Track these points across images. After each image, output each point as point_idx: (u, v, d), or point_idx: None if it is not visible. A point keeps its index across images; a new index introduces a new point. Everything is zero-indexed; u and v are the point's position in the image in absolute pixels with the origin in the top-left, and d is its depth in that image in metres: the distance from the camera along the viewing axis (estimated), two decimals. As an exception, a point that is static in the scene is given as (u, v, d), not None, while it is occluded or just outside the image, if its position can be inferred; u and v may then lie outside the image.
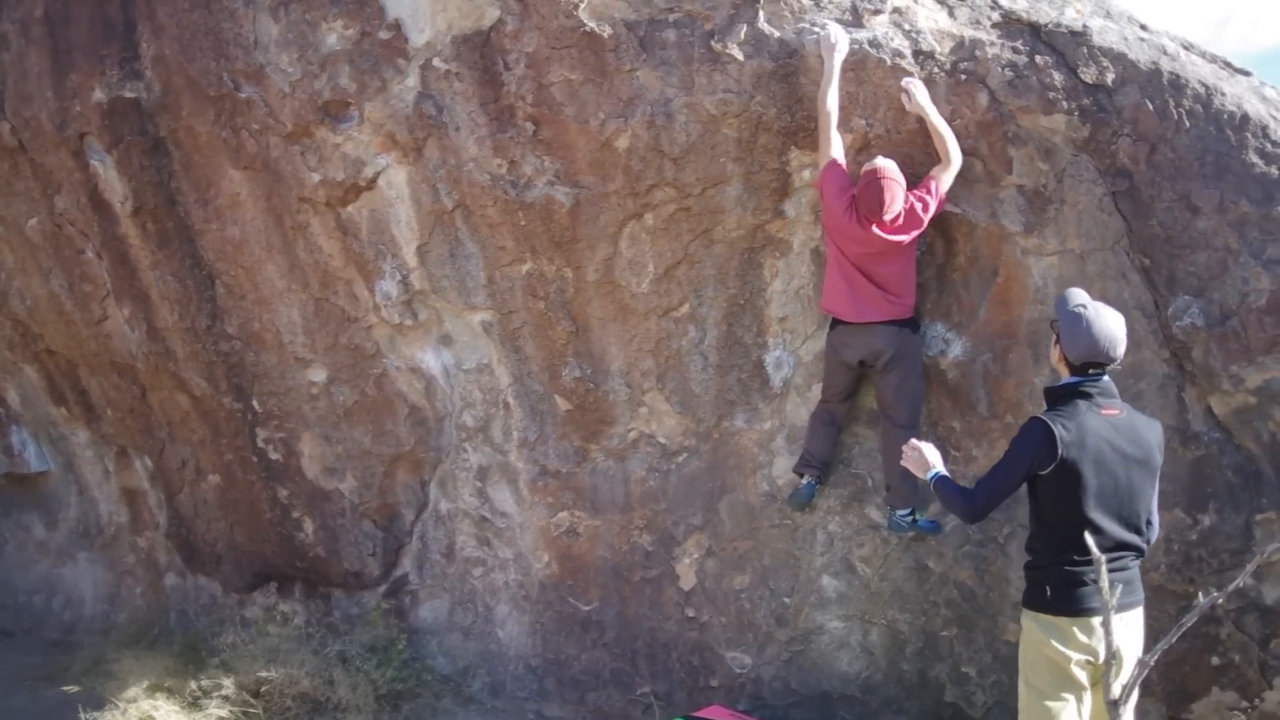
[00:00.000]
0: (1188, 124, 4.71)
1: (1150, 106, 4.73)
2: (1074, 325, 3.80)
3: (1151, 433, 3.88)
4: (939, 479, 4.02)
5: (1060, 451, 3.69)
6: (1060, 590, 3.78)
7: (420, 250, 5.74)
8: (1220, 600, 2.88)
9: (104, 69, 5.99)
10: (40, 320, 6.88)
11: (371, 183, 5.69)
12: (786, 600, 5.64)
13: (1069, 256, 4.94)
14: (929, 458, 4.08)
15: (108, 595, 7.66)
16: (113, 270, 6.47)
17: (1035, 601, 3.86)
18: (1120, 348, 3.80)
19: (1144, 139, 4.75)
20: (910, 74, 4.86)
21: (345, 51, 5.50)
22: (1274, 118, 4.71)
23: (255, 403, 6.43)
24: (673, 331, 5.52)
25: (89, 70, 6.02)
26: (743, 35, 4.96)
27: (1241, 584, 2.56)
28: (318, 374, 6.22)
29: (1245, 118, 4.69)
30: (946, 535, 5.28)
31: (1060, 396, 3.86)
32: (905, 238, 4.83)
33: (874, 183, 4.72)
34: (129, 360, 6.71)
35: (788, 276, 5.37)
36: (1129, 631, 3.82)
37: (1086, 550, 3.59)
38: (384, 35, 5.43)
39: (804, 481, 5.39)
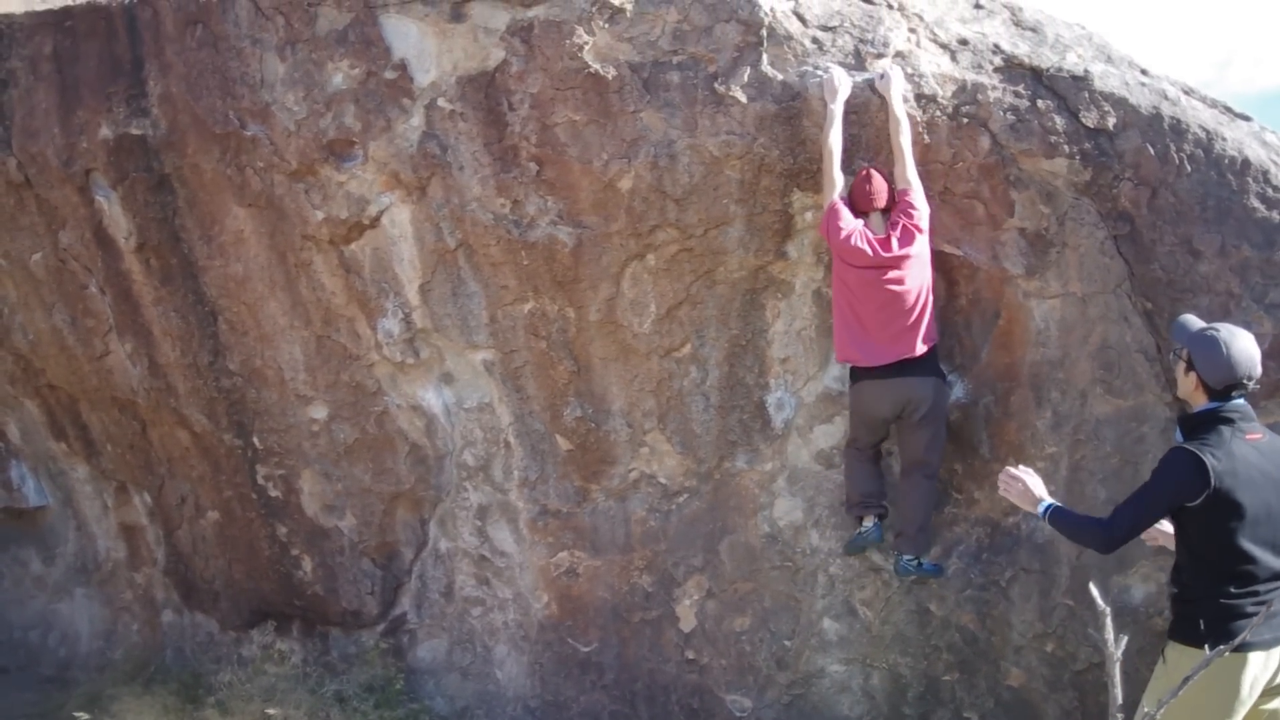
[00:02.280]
0: (1189, 169, 4.73)
1: (1151, 151, 4.75)
2: (1212, 348, 3.64)
3: None
4: (1055, 511, 3.84)
5: (1213, 482, 3.50)
6: (1215, 623, 3.56)
7: (423, 289, 5.75)
8: (1225, 651, 2.86)
9: (111, 106, 6.03)
10: (42, 355, 6.89)
11: (375, 221, 5.71)
12: (787, 643, 5.60)
13: (1071, 299, 4.94)
14: (1035, 490, 3.89)
15: (104, 632, 7.61)
16: (115, 306, 6.48)
17: (1186, 634, 3.65)
18: (1258, 367, 3.66)
19: (1145, 183, 4.77)
20: (913, 118, 4.89)
21: (351, 91, 5.54)
22: (1275, 163, 4.73)
23: (255, 439, 6.42)
24: (674, 372, 5.51)
25: (96, 107, 6.06)
26: (746, 78, 5.00)
27: (1249, 638, 2.55)
28: (319, 411, 6.21)
29: (1246, 163, 4.71)
30: (949, 579, 5.25)
31: (1200, 424, 3.66)
32: (910, 249, 4.76)
33: (862, 177, 4.87)
34: (130, 396, 6.70)
35: (790, 318, 5.37)
36: None
37: (1243, 581, 3.52)
38: (389, 75, 5.47)
39: (868, 525, 5.18)
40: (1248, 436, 3.62)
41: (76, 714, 6.01)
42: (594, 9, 5.10)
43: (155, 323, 6.40)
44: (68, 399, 7.06)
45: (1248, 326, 4.64)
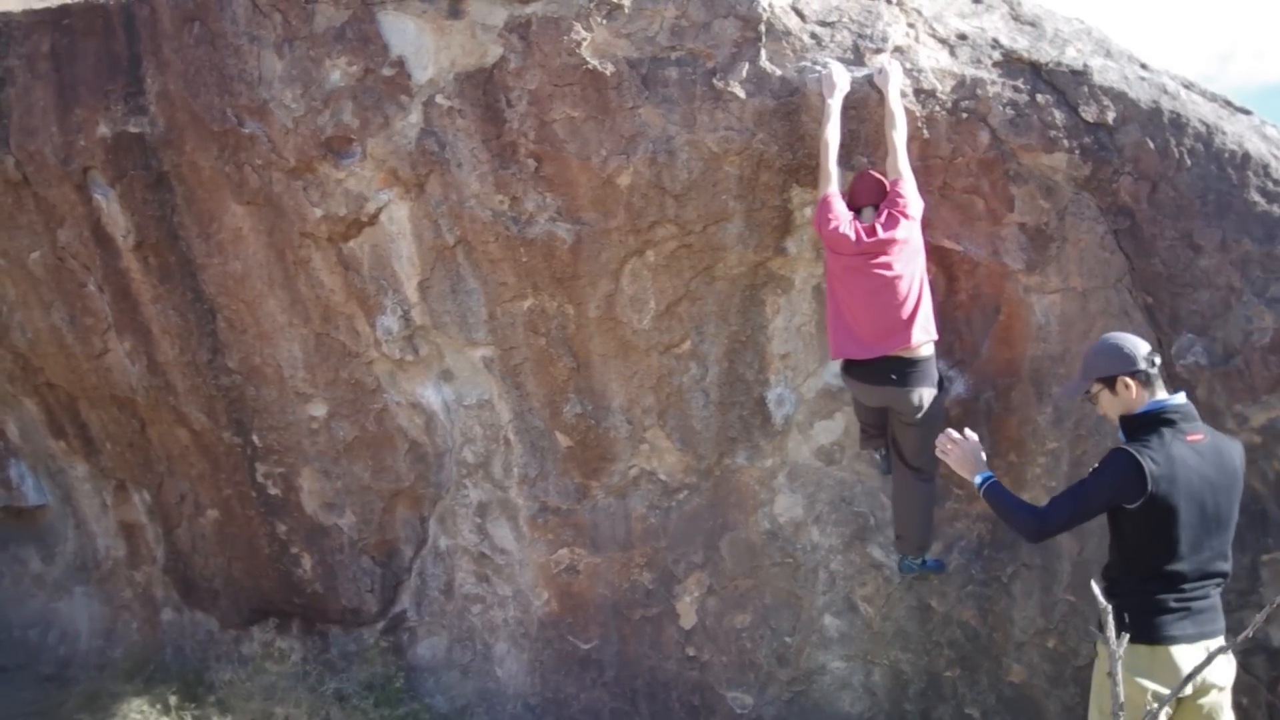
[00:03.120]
0: (1189, 163, 4.72)
1: (1151, 145, 4.74)
2: (1102, 348, 3.79)
3: (1236, 455, 3.76)
4: (993, 485, 3.83)
5: (1150, 487, 3.54)
6: (1141, 617, 3.62)
7: (421, 286, 5.74)
8: (1229, 649, 2.85)
9: (109, 104, 6.02)
10: (41, 353, 6.87)
11: (373, 218, 5.70)
12: (788, 639, 5.59)
13: (1071, 294, 4.93)
14: (975, 458, 3.88)
15: (104, 630, 7.60)
16: (114, 304, 6.47)
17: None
18: (1154, 353, 3.77)
19: (1145, 177, 4.76)
20: (912, 113, 4.87)
21: (349, 88, 5.53)
22: (1275, 156, 4.72)
23: (255, 437, 6.41)
24: (674, 368, 5.50)
25: (94, 105, 6.05)
26: (744, 73, 4.98)
27: (1252, 633, 2.52)
28: (318, 409, 6.20)
29: (1246, 156, 4.70)
30: (950, 575, 5.24)
31: (1142, 425, 3.69)
32: (896, 233, 4.64)
33: (861, 174, 4.87)
34: (129, 394, 6.69)
35: (789, 313, 5.36)
36: (1217, 660, 3.54)
37: (1171, 579, 3.55)
38: (387, 72, 5.46)
39: (880, 453, 5.25)
40: (1188, 438, 3.65)
41: (78, 716, 6.02)
42: (592, 5, 5.08)
43: (154, 321, 6.39)
44: (67, 397, 7.05)
45: (1248, 321, 4.67)
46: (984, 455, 3.94)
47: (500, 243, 5.47)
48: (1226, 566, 3.72)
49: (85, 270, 6.44)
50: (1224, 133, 4.72)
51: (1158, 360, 3.77)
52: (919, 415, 4.77)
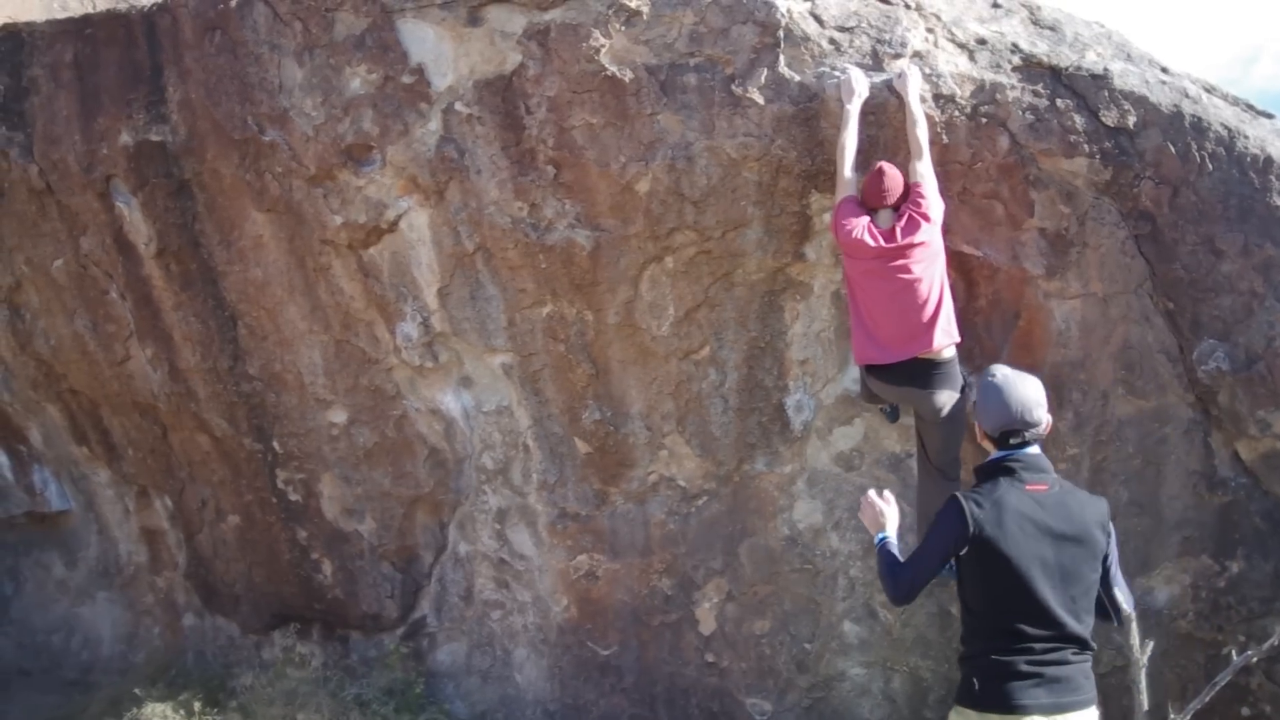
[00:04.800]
0: (1210, 167, 4.70)
1: (1172, 149, 4.72)
2: (985, 394, 3.54)
3: (1090, 510, 3.48)
4: (883, 546, 3.66)
5: (972, 530, 3.36)
6: (989, 684, 3.38)
7: (441, 292, 5.76)
8: (1254, 658, 2.82)
9: (131, 113, 6.06)
10: (64, 360, 6.93)
11: (393, 225, 5.72)
12: (807, 646, 5.59)
13: (1091, 300, 4.91)
14: (884, 518, 3.74)
15: (126, 635, 7.65)
16: (136, 311, 6.51)
17: (963, 696, 3.47)
18: (1038, 412, 3.48)
19: (1166, 182, 4.74)
20: (931, 118, 4.86)
21: (368, 96, 5.55)
22: (1298, 161, 4.69)
23: (275, 444, 6.45)
24: (693, 374, 5.50)
25: (116, 114, 6.10)
26: (763, 79, 4.98)
27: (1277, 641, 2.49)
28: (338, 415, 6.23)
29: (1269, 160, 4.68)
30: (970, 581, 5.22)
31: (983, 473, 3.55)
32: (916, 237, 4.61)
33: (875, 173, 4.72)
34: (151, 400, 6.74)
35: (809, 319, 5.35)
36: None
37: (1015, 639, 3.33)
38: (407, 80, 5.48)
39: (887, 410, 5.27)
40: (1028, 487, 3.43)
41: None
42: (610, 12, 5.10)
43: (175, 328, 6.44)
44: (89, 404, 7.11)
45: (1270, 327, 4.64)
46: (893, 519, 3.76)
47: (519, 249, 5.48)
48: (1081, 630, 3.40)
49: (107, 278, 6.49)
50: (1246, 137, 4.70)
51: (1033, 425, 3.49)
52: (942, 416, 4.75)
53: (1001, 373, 3.57)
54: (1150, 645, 2.94)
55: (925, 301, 4.64)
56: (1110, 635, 4.84)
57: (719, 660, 5.77)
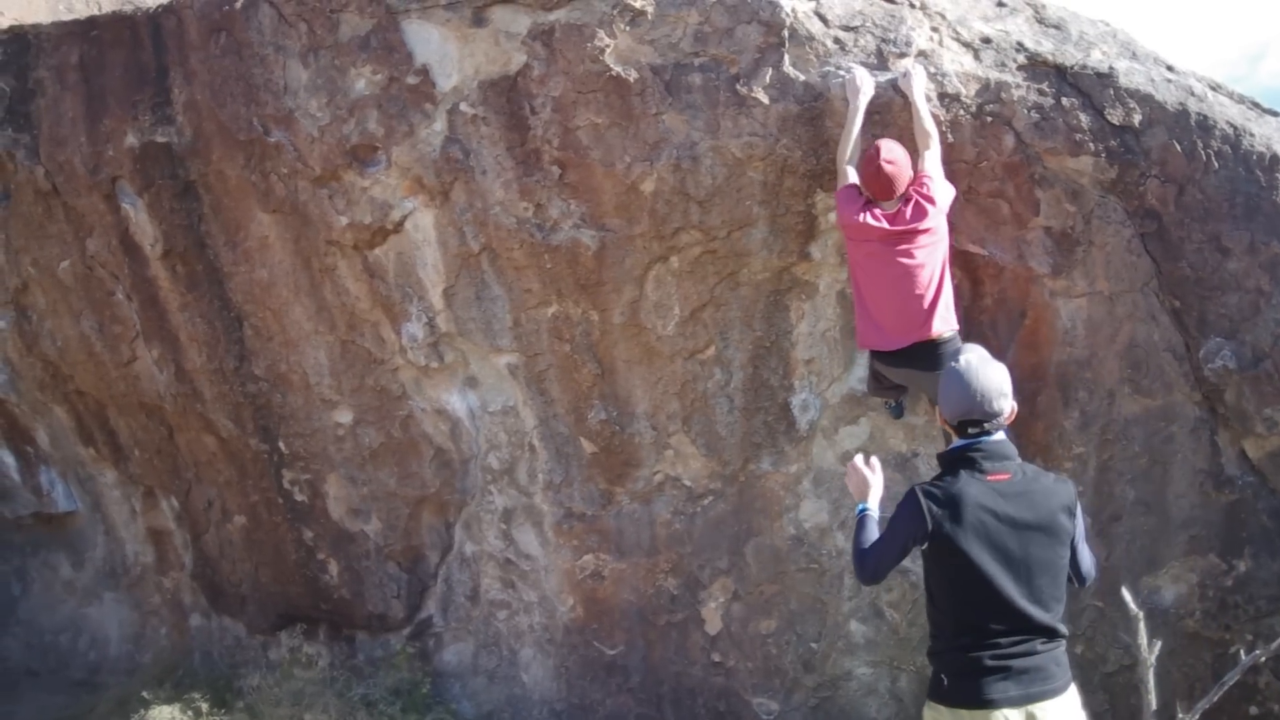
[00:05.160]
0: (1216, 165, 4.69)
1: (1178, 147, 4.71)
2: (947, 381, 3.46)
3: (1055, 496, 3.39)
4: (863, 516, 3.62)
5: (929, 526, 3.32)
6: (957, 679, 3.35)
7: (446, 293, 5.77)
8: (1262, 657, 2.81)
9: (136, 114, 6.08)
10: (70, 361, 6.95)
11: (399, 226, 5.73)
12: (814, 645, 5.58)
13: (1098, 298, 4.91)
14: (867, 487, 3.68)
15: (133, 635, 7.67)
16: (142, 312, 6.53)
17: (934, 692, 3.44)
18: (1000, 402, 3.39)
19: (1172, 180, 4.73)
20: (937, 117, 4.85)
21: (374, 97, 5.56)
22: (1304, 159, 4.68)
23: (281, 444, 6.45)
24: (698, 374, 5.50)
25: (122, 116, 6.11)
26: (768, 79, 4.98)
27: (1284, 639, 2.49)
28: (344, 415, 6.23)
29: (1275, 158, 4.67)
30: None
31: (946, 464, 3.47)
32: (921, 223, 4.58)
33: (873, 159, 4.61)
34: (157, 401, 6.75)
35: (814, 319, 5.35)
36: (1058, 711, 3.34)
37: (980, 634, 3.29)
38: (412, 80, 5.49)
39: (891, 405, 5.27)
40: (989, 477, 3.36)
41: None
42: (615, 12, 5.10)
43: (181, 328, 6.45)
44: (96, 405, 7.12)
45: (1277, 325, 4.63)
46: (877, 489, 3.73)
47: (525, 249, 5.49)
48: (1049, 619, 3.35)
49: (114, 279, 6.51)
50: (1252, 134, 4.69)
51: (994, 415, 3.41)
52: None
53: (966, 359, 3.48)
54: (1158, 645, 2.93)
55: (926, 288, 4.63)
56: (1118, 635, 4.84)
57: (725, 660, 5.77)
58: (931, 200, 4.60)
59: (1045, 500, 3.37)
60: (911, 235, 4.60)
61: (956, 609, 3.38)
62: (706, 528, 5.70)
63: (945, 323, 4.66)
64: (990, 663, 3.28)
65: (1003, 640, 3.30)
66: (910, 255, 4.62)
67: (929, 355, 4.65)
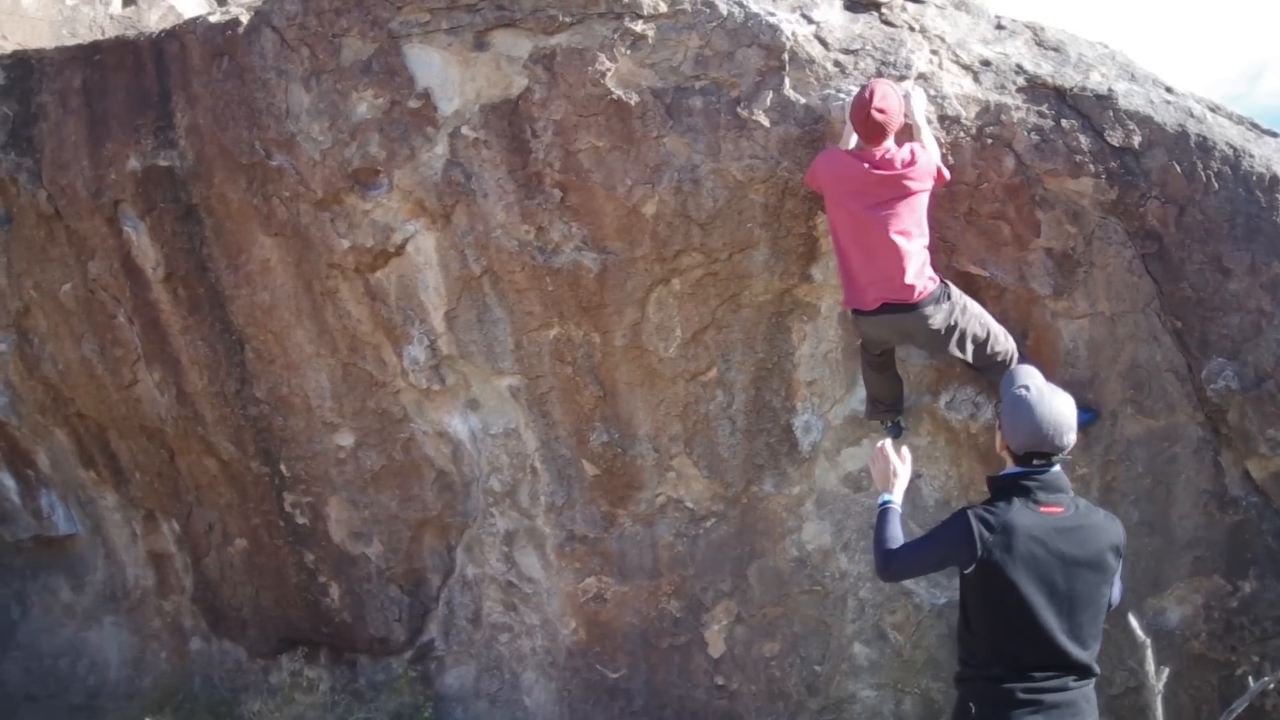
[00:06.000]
0: (1216, 186, 4.70)
1: (1178, 169, 4.72)
2: (1015, 409, 3.37)
3: (1106, 535, 3.36)
4: (885, 509, 3.61)
5: (979, 553, 3.27)
6: (985, 710, 3.31)
7: (448, 315, 5.77)
8: (1270, 683, 2.79)
9: (139, 138, 6.10)
10: (71, 384, 6.94)
11: (400, 249, 5.74)
12: (817, 668, 5.56)
13: (1099, 319, 4.91)
14: (894, 478, 3.66)
15: (133, 659, 7.63)
16: (144, 335, 6.53)
17: (959, 718, 3.42)
18: (1068, 435, 3.35)
19: (1172, 201, 4.74)
20: (938, 139, 4.86)
21: (375, 120, 5.58)
22: (1304, 179, 4.69)
23: (283, 467, 6.45)
24: (700, 396, 5.50)
25: (124, 139, 6.13)
26: (769, 102, 5.00)
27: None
28: (345, 438, 6.23)
29: (1275, 179, 4.68)
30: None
31: (998, 489, 3.43)
32: (911, 171, 4.53)
33: (866, 113, 4.51)
34: (158, 424, 6.75)
35: (816, 340, 5.35)
36: None
37: (1016, 666, 3.25)
38: (413, 104, 5.50)
39: (888, 425, 5.21)
40: (1042, 509, 3.31)
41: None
42: (616, 36, 5.12)
43: (183, 351, 6.45)
44: (96, 428, 7.12)
45: (1278, 345, 4.62)
46: (903, 481, 3.71)
47: (526, 272, 5.49)
48: (1085, 657, 3.31)
49: (115, 302, 6.51)
50: (1251, 155, 4.70)
51: (1062, 449, 3.36)
52: (946, 328, 4.65)
53: (1035, 386, 3.40)
54: (1166, 672, 2.90)
55: (900, 238, 4.57)
56: (1124, 658, 4.82)
57: (729, 683, 5.75)
58: (917, 157, 4.57)
59: (1096, 538, 3.34)
60: (892, 182, 4.56)
61: (993, 637, 3.34)
62: (709, 550, 5.69)
63: (921, 280, 4.60)
64: (1022, 695, 3.23)
65: (1037, 674, 3.26)
66: (889, 206, 4.57)
67: (910, 321, 4.64)
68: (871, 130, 4.56)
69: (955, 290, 4.74)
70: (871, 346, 4.97)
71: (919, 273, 4.61)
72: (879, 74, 4.99)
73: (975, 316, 4.74)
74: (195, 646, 7.37)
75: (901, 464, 3.71)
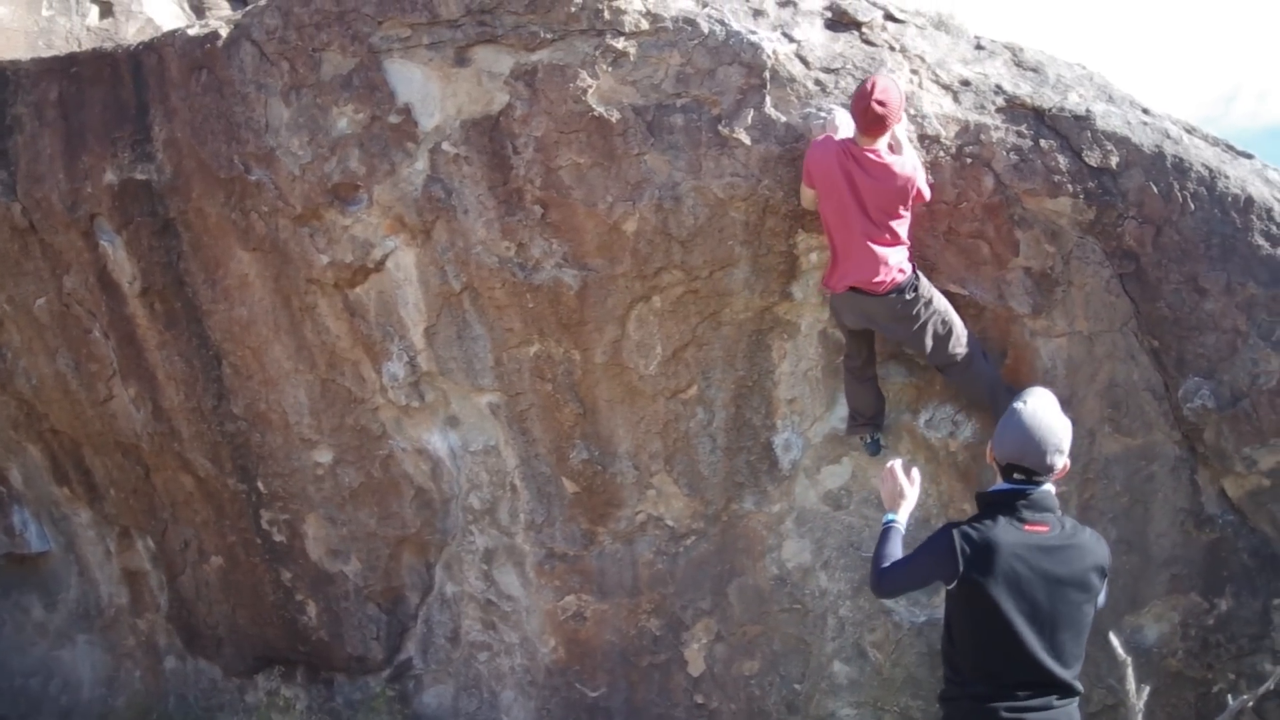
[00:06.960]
0: (1192, 206, 4.74)
1: (1155, 189, 4.76)
2: (1006, 420, 3.38)
3: (1091, 555, 3.36)
4: (888, 528, 3.64)
5: (960, 569, 3.28)
6: None
7: (428, 332, 5.74)
8: (1249, 702, 2.80)
9: (116, 151, 6.05)
10: (45, 399, 6.87)
11: (380, 265, 5.71)
12: (797, 687, 5.55)
13: (1077, 338, 4.94)
14: (900, 499, 3.69)
15: (106, 679, 7.54)
16: (119, 350, 6.47)
17: None
18: (1055, 457, 3.33)
19: (1149, 221, 4.78)
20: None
21: (355, 135, 5.56)
22: (1278, 200, 4.74)
23: (260, 484, 6.39)
24: (681, 413, 5.49)
25: (101, 152, 6.08)
26: (750, 120, 5.01)
27: (1273, 685, 2.47)
28: (323, 455, 6.18)
29: (1249, 200, 4.72)
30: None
31: (986, 505, 3.43)
32: (884, 159, 4.57)
33: (866, 104, 4.50)
34: (133, 440, 6.68)
35: (796, 358, 5.36)
36: None
37: (999, 684, 3.27)
38: (394, 119, 5.49)
39: (867, 441, 5.25)
40: (1027, 527, 3.31)
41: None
42: (598, 53, 5.12)
43: (159, 367, 6.39)
44: (71, 443, 7.04)
45: (1254, 365, 4.65)
46: (909, 503, 3.74)
47: (506, 289, 5.48)
48: (1068, 676, 3.31)
49: (90, 316, 6.45)
50: (1227, 177, 4.74)
51: (1046, 470, 3.36)
52: (907, 317, 4.70)
53: (1034, 403, 3.39)
54: (1146, 690, 2.92)
55: (877, 217, 4.63)
56: (1103, 676, 4.83)
57: (708, 701, 5.73)
58: (902, 144, 4.64)
59: (1080, 557, 3.34)
60: (873, 168, 4.59)
61: (976, 654, 3.35)
62: (689, 568, 5.67)
63: (890, 274, 4.65)
64: (1006, 715, 3.25)
65: (1020, 693, 3.27)
66: (873, 212, 4.63)
67: (873, 304, 4.71)
68: (870, 122, 4.55)
69: (925, 283, 4.79)
70: (841, 325, 5.02)
71: (891, 270, 4.68)
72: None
73: (940, 312, 4.79)
74: (170, 665, 7.29)
75: (909, 485, 3.75)
